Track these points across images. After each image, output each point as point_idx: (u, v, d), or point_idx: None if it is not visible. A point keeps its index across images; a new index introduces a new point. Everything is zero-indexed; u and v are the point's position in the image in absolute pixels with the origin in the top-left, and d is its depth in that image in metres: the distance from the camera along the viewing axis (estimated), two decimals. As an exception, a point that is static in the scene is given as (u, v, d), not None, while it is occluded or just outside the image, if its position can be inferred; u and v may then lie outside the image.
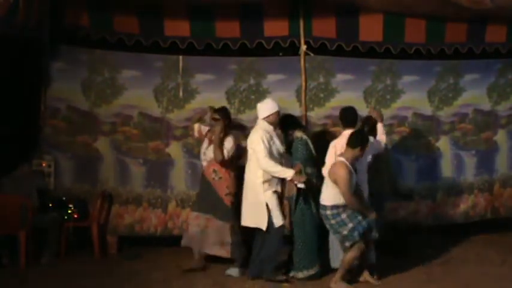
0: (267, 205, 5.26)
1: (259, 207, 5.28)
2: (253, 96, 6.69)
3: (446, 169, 7.08)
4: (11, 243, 5.82)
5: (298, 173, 5.27)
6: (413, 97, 6.97)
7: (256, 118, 6.56)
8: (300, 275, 5.37)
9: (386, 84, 6.90)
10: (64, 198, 6.32)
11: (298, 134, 5.58)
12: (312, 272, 5.37)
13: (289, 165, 5.42)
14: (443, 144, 7.08)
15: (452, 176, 7.09)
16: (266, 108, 5.42)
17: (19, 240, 5.73)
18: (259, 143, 5.25)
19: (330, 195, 5.04)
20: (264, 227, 5.26)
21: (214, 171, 5.69)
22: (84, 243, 6.31)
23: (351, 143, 5.04)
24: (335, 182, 4.96)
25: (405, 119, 6.95)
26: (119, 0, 6.37)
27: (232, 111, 6.64)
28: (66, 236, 6.18)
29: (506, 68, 7.22)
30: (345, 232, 5.00)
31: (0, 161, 6.05)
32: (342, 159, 5.02)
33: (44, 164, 6.34)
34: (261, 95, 6.65)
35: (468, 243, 6.69)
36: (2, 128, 6.50)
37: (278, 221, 5.27)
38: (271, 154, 5.27)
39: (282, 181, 5.34)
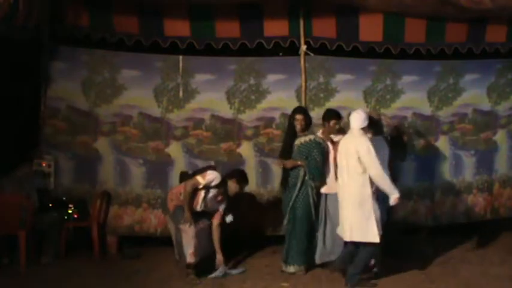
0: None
1: (369, 219, 5.08)
2: (253, 96, 6.69)
3: (445, 169, 7.07)
4: (11, 243, 5.82)
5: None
6: (413, 97, 6.97)
7: (256, 118, 6.65)
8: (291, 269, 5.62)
9: (387, 84, 6.90)
10: (64, 198, 6.33)
11: (311, 136, 5.75)
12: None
13: None
14: (442, 144, 7.08)
15: (451, 176, 7.09)
16: (364, 118, 5.28)
17: (19, 240, 5.73)
18: (370, 151, 5.11)
19: None
20: (377, 239, 5.07)
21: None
22: (84, 243, 6.30)
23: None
24: None
25: (405, 119, 6.95)
26: (119, 0, 6.37)
27: (232, 111, 6.68)
28: (66, 236, 6.18)
29: (506, 68, 7.22)
30: None
31: (0, 161, 6.05)
32: None
33: (44, 164, 6.34)
34: (261, 95, 6.67)
35: (468, 243, 6.69)
36: (2, 128, 6.50)
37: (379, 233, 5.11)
38: None
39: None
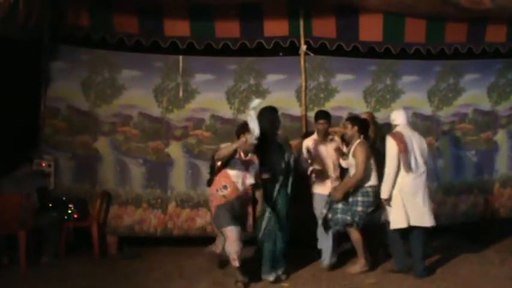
0: None
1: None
2: (253, 96, 6.67)
3: (446, 169, 7.07)
4: (11, 243, 5.82)
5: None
6: (413, 97, 6.97)
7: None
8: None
9: (386, 84, 6.90)
10: (64, 198, 6.33)
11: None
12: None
13: None
14: (443, 144, 7.08)
15: (452, 176, 7.08)
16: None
17: (19, 240, 5.73)
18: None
19: None
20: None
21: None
22: (84, 243, 6.30)
23: None
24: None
25: (405, 119, 6.95)
26: (119, 0, 6.38)
27: (232, 111, 6.68)
28: (66, 236, 6.18)
29: (506, 68, 7.22)
30: None
31: (0, 161, 6.05)
32: None
33: (44, 164, 6.34)
34: (261, 95, 6.64)
35: (468, 243, 6.68)
36: (2, 128, 6.50)
37: None
38: None
39: None
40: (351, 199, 5.61)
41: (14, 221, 5.74)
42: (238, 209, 5.27)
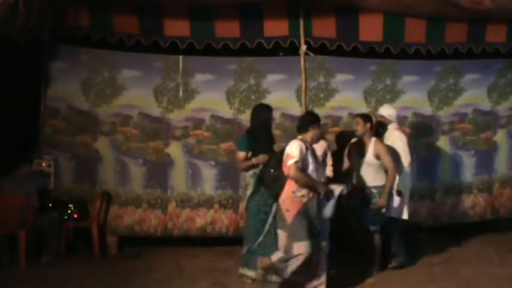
0: None
1: None
2: (253, 96, 6.68)
3: (446, 169, 7.07)
4: (11, 243, 5.82)
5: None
6: (413, 97, 6.96)
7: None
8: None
9: (386, 84, 6.90)
10: (64, 198, 6.33)
11: None
12: None
13: None
14: (442, 144, 7.09)
15: (452, 176, 7.08)
16: None
17: (19, 240, 5.73)
18: None
19: None
20: None
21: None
22: (84, 243, 6.30)
23: None
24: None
25: (405, 119, 6.94)
26: (119, 0, 6.38)
27: (232, 111, 6.68)
28: (66, 236, 6.18)
29: (506, 68, 7.22)
30: None
31: (0, 161, 6.05)
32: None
33: (44, 164, 6.34)
34: (261, 95, 6.66)
35: (468, 243, 6.69)
36: (2, 128, 6.51)
37: None
38: None
39: None
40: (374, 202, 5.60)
41: (14, 221, 5.74)
42: (316, 211, 4.83)
